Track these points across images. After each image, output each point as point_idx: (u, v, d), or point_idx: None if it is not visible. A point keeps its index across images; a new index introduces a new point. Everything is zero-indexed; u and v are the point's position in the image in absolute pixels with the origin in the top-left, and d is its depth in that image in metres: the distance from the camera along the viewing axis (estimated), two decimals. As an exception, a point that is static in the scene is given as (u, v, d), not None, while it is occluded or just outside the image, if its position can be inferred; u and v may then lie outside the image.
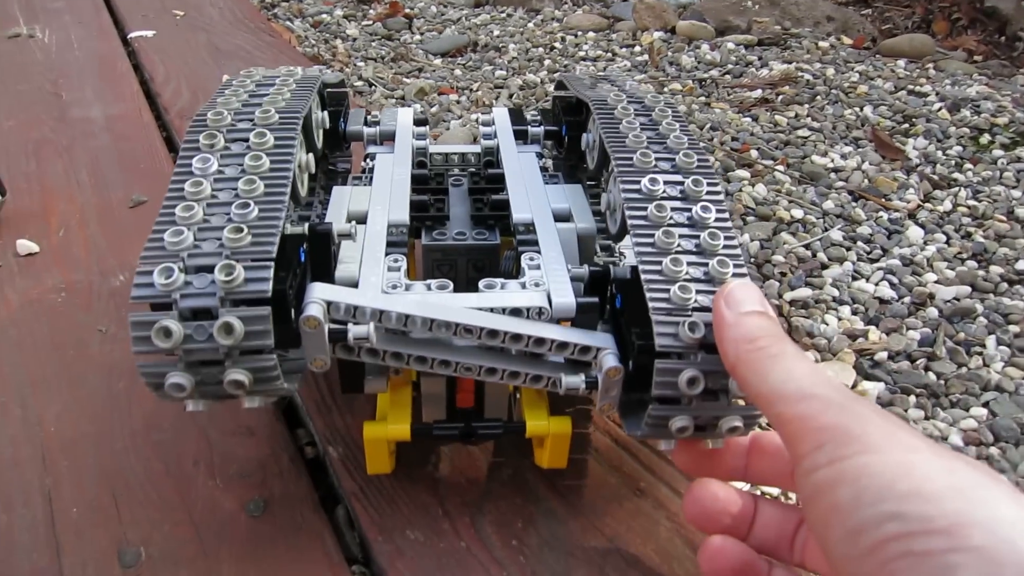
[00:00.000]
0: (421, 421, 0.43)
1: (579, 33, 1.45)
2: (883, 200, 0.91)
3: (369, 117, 0.58)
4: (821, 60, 1.31)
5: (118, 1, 1.34)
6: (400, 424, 0.41)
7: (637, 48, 1.39)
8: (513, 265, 0.45)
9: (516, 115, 0.59)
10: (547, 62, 1.31)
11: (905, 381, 0.66)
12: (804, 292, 0.76)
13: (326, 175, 0.56)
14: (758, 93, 1.18)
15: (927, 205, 0.91)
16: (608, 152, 0.43)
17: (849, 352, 0.69)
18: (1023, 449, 0.60)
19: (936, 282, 0.77)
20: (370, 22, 1.48)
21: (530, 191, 0.49)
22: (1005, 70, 1.31)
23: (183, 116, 0.93)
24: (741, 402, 0.35)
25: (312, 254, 0.38)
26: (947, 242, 0.84)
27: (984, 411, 0.63)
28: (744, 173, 0.96)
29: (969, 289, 0.76)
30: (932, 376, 0.67)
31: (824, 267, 0.80)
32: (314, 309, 0.34)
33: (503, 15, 1.57)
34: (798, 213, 0.88)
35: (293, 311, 0.34)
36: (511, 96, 1.17)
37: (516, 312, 0.37)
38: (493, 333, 0.36)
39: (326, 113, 0.51)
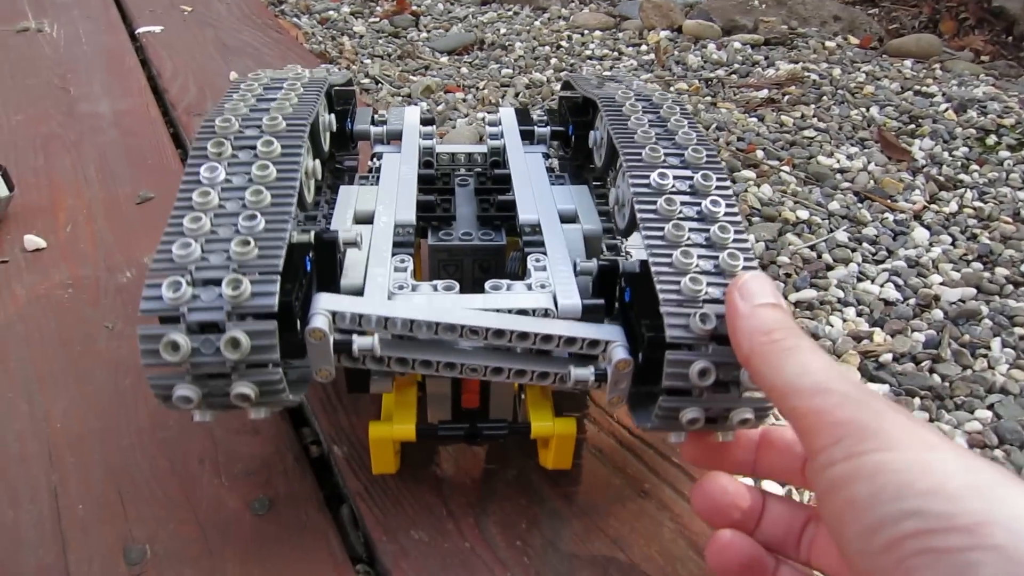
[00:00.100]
0: (426, 421, 0.43)
1: (586, 32, 1.45)
2: (889, 201, 0.91)
3: (376, 116, 0.59)
4: (828, 60, 1.31)
5: (125, -4, 1.34)
6: (405, 424, 0.41)
7: (643, 47, 1.39)
8: (519, 266, 0.45)
9: (522, 115, 0.59)
10: (553, 61, 1.31)
11: (910, 383, 0.66)
12: (809, 293, 0.76)
13: (332, 174, 0.56)
14: (764, 93, 1.17)
15: (933, 206, 0.91)
16: (616, 147, 0.43)
17: (854, 354, 0.69)
18: (1027, 453, 0.60)
19: (941, 284, 0.77)
20: (377, 19, 1.48)
21: (536, 192, 0.49)
22: (1012, 70, 1.30)
23: (190, 112, 0.93)
24: (753, 394, 0.34)
25: (318, 262, 0.38)
26: (953, 244, 0.84)
27: (989, 413, 0.63)
28: (750, 173, 0.96)
29: (974, 291, 0.76)
30: (937, 378, 0.67)
31: (829, 268, 0.80)
32: (319, 321, 0.34)
33: (510, 13, 1.57)
34: (804, 214, 0.88)
35: (299, 322, 0.34)
36: (517, 95, 1.17)
37: (522, 313, 0.37)
38: (500, 333, 0.36)
39: (333, 116, 0.51)
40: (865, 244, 0.83)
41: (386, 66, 1.26)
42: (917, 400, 0.64)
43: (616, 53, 1.35)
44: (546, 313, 0.38)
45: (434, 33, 1.44)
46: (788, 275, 0.78)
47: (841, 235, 0.84)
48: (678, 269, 0.35)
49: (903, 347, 0.69)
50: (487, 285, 0.39)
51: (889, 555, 0.24)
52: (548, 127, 0.58)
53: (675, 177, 0.40)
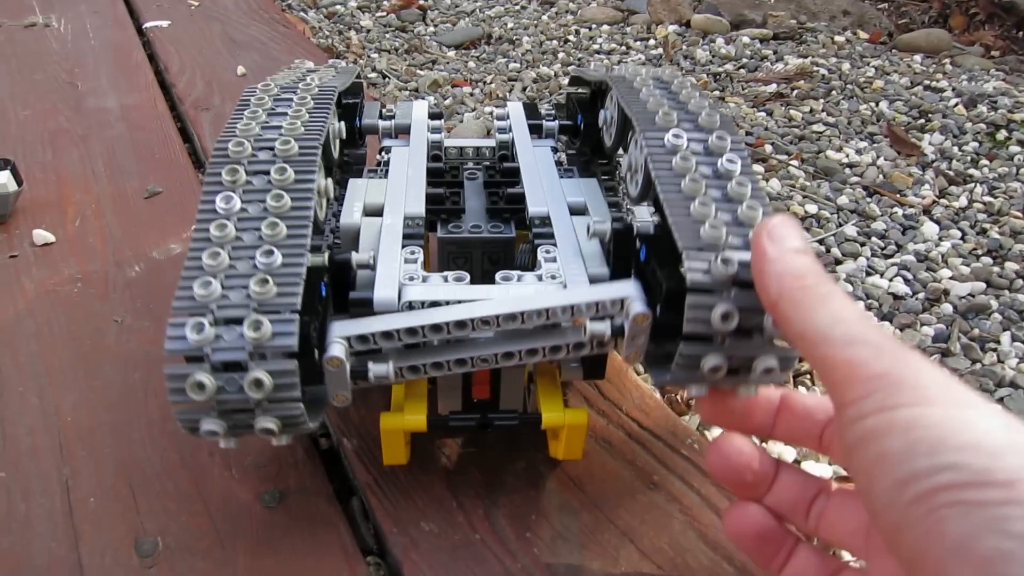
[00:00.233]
0: (436, 413, 0.43)
1: (593, 26, 1.45)
2: (898, 196, 0.91)
3: (384, 111, 0.59)
4: (837, 55, 1.31)
5: (133, -9, 1.34)
6: (416, 415, 0.41)
7: (651, 41, 1.38)
8: (529, 258, 0.45)
9: (531, 109, 0.59)
10: (561, 55, 1.30)
11: (919, 378, 0.65)
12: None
13: (341, 168, 0.56)
14: (773, 88, 1.17)
15: (942, 201, 0.90)
16: (628, 114, 0.42)
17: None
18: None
19: (951, 278, 0.77)
20: (384, 13, 1.48)
21: (545, 184, 0.49)
22: (1022, 66, 1.29)
23: (197, 107, 0.93)
24: (778, 343, 0.33)
25: (333, 284, 0.39)
26: (962, 238, 0.84)
27: (998, 408, 0.63)
28: (758, 168, 0.96)
29: (984, 285, 0.76)
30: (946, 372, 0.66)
31: (838, 263, 0.80)
32: (336, 349, 0.35)
33: (517, 7, 1.56)
34: (812, 208, 0.88)
35: (316, 351, 0.35)
36: (525, 89, 1.17)
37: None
38: (515, 317, 0.36)
39: (343, 124, 0.51)
40: (874, 238, 0.83)
41: (393, 60, 1.26)
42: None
43: (624, 47, 1.35)
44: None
45: (441, 27, 1.44)
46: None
47: (850, 229, 0.84)
48: (697, 218, 0.34)
49: (912, 341, 0.69)
50: (497, 276, 0.40)
51: (919, 507, 0.23)
52: (556, 121, 0.58)
53: (689, 139, 0.39)
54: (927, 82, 1.19)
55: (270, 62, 1.07)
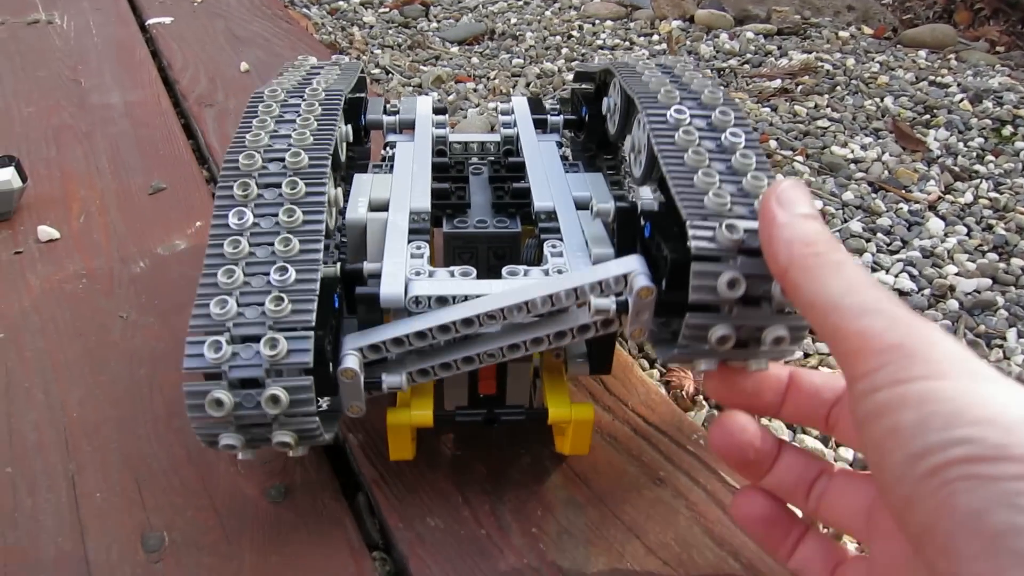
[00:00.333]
0: (443, 408, 0.43)
1: (597, 21, 1.44)
2: (903, 191, 0.90)
3: (388, 106, 0.58)
4: (841, 50, 1.30)
5: (136, -12, 1.34)
6: (423, 411, 0.41)
7: (655, 37, 1.38)
8: (535, 253, 0.45)
9: (535, 104, 0.59)
10: (564, 50, 1.30)
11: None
12: (823, 283, 0.75)
13: (345, 164, 0.56)
14: (777, 83, 1.17)
15: (948, 197, 0.90)
16: (631, 95, 0.42)
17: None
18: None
19: (956, 274, 0.77)
20: (387, 9, 1.48)
21: (551, 179, 0.49)
22: (1028, 60, 1.29)
23: (201, 103, 0.93)
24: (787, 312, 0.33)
25: (346, 295, 0.40)
26: (968, 234, 0.84)
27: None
28: (763, 163, 0.95)
29: (990, 281, 0.76)
30: (952, 369, 0.66)
31: (843, 258, 0.79)
32: (350, 361, 0.36)
33: (520, 3, 1.56)
34: (817, 204, 0.87)
35: (331, 364, 0.35)
36: (528, 85, 1.16)
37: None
38: (521, 307, 0.36)
39: (349, 127, 0.51)
40: (879, 234, 0.83)
41: (396, 56, 1.25)
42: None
43: (628, 43, 1.35)
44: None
45: (444, 23, 1.43)
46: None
47: (855, 225, 0.84)
48: (700, 189, 0.34)
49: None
50: (504, 271, 0.40)
51: (930, 480, 0.23)
52: (561, 116, 0.58)
53: (692, 115, 0.39)
54: (932, 77, 1.19)
55: (273, 58, 1.07)
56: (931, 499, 0.23)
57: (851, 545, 0.42)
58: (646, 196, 0.38)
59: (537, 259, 0.44)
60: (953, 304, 0.73)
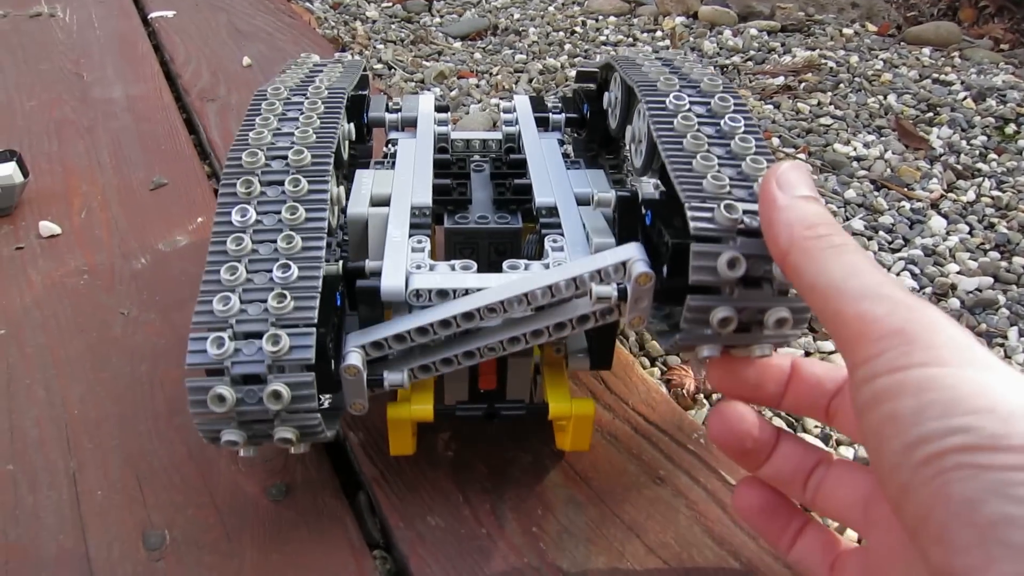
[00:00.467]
0: (443, 403, 0.43)
1: (600, 17, 1.44)
2: (906, 190, 0.90)
3: (391, 104, 0.58)
4: (845, 47, 1.30)
5: (138, -19, 1.34)
6: (423, 405, 0.41)
7: (659, 33, 1.38)
8: (535, 249, 0.45)
9: (537, 102, 0.59)
10: (568, 46, 1.30)
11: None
12: (825, 282, 0.75)
13: (347, 162, 0.56)
14: (780, 80, 1.17)
15: (950, 195, 0.90)
16: (631, 85, 0.43)
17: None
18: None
19: (958, 273, 0.77)
20: (390, 4, 1.47)
21: (552, 175, 0.49)
22: (1032, 58, 1.29)
23: (203, 98, 0.93)
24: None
25: (348, 293, 0.40)
26: (970, 233, 0.83)
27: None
28: (765, 161, 0.95)
29: (991, 280, 0.75)
30: (953, 368, 0.66)
31: (845, 257, 0.79)
32: (353, 358, 0.36)
33: (523, -2, 1.56)
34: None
35: (333, 361, 0.36)
36: (531, 80, 1.16)
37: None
38: (521, 299, 0.36)
39: (352, 125, 0.51)
40: (881, 232, 0.83)
41: (399, 51, 1.25)
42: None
43: (631, 39, 1.34)
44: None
45: (447, 18, 1.43)
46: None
47: (857, 223, 0.84)
48: (699, 172, 0.34)
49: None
50: (505, 265, 0.40)
51: (927, 469, 0.23)
52: (563, 114, 0.58)
53: (692, 102, 0.40)
54: (936, 75, 1.19)
55: (276, 53, 1.07)
56: (926, 488, 0.23)
57: (852, 537, 0.42)
58: (647, 187, 0.38)
59: (538, 255, 0.44)
60: (954, 303, 0.73)
